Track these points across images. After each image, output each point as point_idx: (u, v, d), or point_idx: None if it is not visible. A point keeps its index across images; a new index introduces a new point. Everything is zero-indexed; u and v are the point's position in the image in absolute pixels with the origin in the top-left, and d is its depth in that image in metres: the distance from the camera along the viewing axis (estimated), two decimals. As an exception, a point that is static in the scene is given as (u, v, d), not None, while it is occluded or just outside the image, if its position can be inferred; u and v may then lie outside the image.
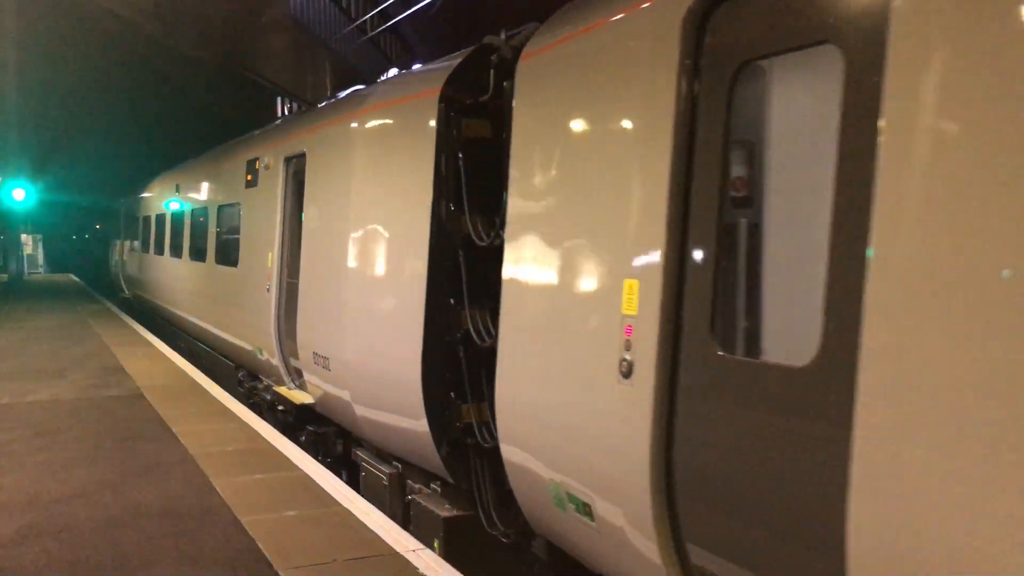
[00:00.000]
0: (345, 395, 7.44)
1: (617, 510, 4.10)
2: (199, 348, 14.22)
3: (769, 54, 3.45)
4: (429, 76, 6.55)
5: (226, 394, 10.35)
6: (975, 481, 2.46)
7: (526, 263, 4.98)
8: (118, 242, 26.80)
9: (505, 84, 5.45)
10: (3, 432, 8.17)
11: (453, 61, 6.33)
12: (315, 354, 8.08)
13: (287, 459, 7.28)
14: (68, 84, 25.96)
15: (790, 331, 3.45)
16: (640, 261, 3.93)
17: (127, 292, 24.44)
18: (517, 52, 5.39)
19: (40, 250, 49.06)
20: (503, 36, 5.73)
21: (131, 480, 6.59)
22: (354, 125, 7.58)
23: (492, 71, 5.66)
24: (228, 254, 11.67)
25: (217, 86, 26.01)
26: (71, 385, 10.73)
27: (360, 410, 7.23)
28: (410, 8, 20.08)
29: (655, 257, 3.82)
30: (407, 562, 4.97)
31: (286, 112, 26.98)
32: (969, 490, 2.47)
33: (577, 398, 4.36)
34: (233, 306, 11.36)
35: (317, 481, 6.60)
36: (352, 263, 7.29)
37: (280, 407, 9.40)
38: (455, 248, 5.95)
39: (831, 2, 3.10)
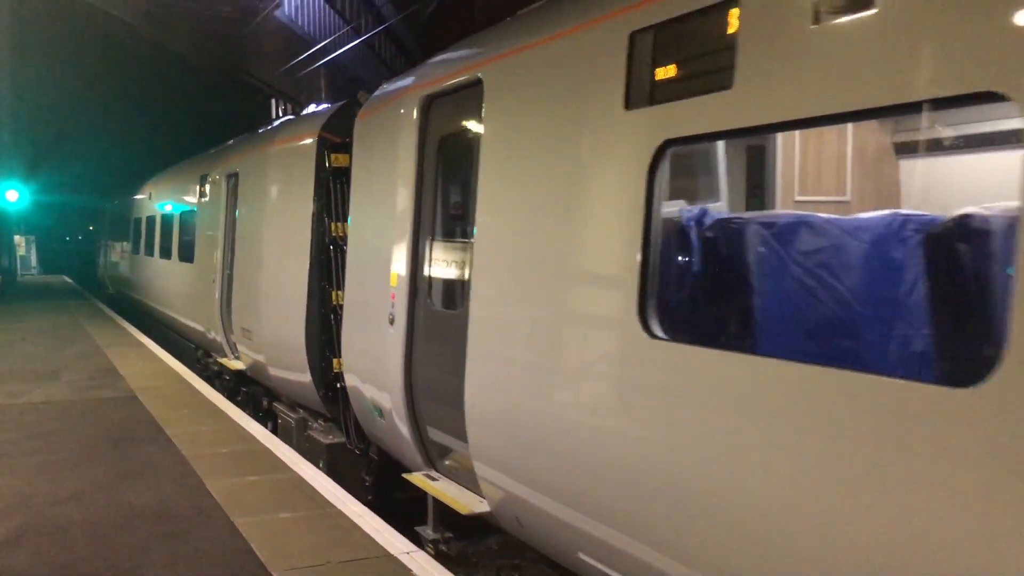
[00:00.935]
0: (262, 359, 9.79)
1: (390, 407, 6.47)
2: (169, 335, 16.15)
3: (452, 135, 6.04)
4: (314, 120, 9.06)
5: (220, 396, 10.35)
6: (513, 371, 4.93)
7: (354, 258, 7.56)
8: (102, 244, 29.57)
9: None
10: (-4, 434, 8.17)
11: (331, 110, 8.99)
12: (243, 328, 10.51)
13: (281, 461, 7.29)
14: (62, 85, 25.93)
15: (460, 293, 5.82)
16: (398, 255, 6.41)
17: (111, 289, 26.09)
18: None
19: (33, 251, 48.83)
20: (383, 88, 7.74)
21: (125, 482, 6.59)
22: (267, 153, 10.12)
23: (355, 120, 7.80)
24: (187, 252, 14.04)
25: (212, 87, 26.01)
26: (64, 386, 10.72)
27: (272, 370, 9.56)
28: (404, 11, 20.12)
29: (404, 251, 6.30)
30: (401, 564, 4.99)
31: (280, 113, 26.96)
32: (508, 375, 4.96)
33: (374, 338, 6.74)
34: (190, 295, 13.65)
35: (311, 483, 6.61)
36: (263, 256, 9.85)
37: (225, 376, 11.72)
38: (327, 246, 8.37)
39: (471, 112, 5.60)
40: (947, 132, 4.90)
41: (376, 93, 7.65)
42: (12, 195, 30.12)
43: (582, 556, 4.40)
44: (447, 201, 6.22)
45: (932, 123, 4.71)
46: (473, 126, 5.64)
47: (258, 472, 6.92)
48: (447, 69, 6.09)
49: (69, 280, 39.00)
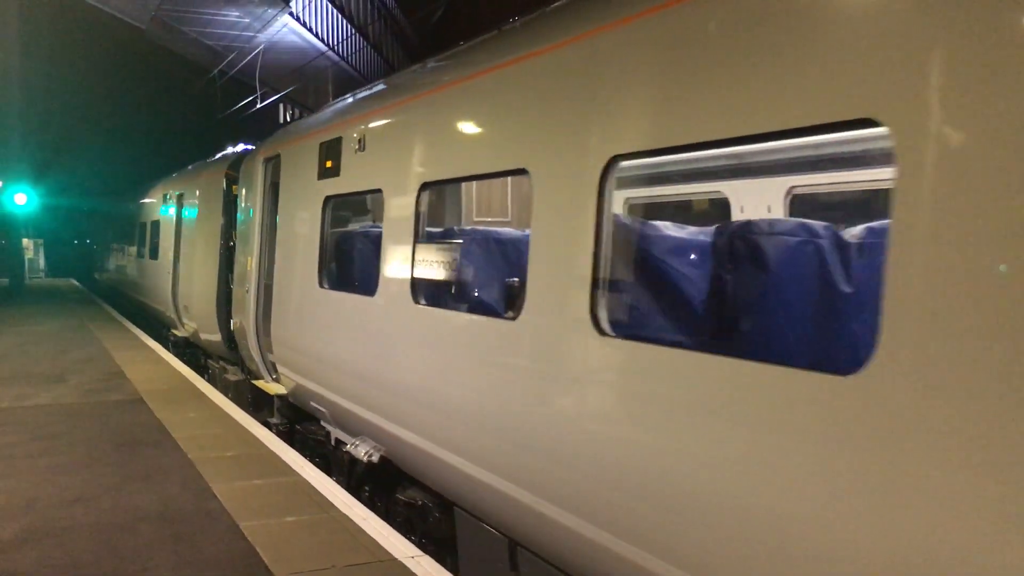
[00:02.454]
0: (195, 326, 14.12)
1: (250, 343, 10.25)
2: (144, 319, 20.39)
3: (274, 183, 9.70)
4: (225, 161, 13.54)
5: (226, 400, 10.36)
6: (287, 314, 8.93)
7: (237, 253, 11.45)
8: (94, 246, 36.43)
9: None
10: (3, 436, 8.18)
11: (236, 154, 13.37)
12: (184, 306, 14.94)
13: (286, 464, 7.29)
14: (71, 88, 26.03)
15: (270, 274, 9.65)
16: (253, 250, 10.23)
17: (103, 283, 31.01)
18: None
19: (41, 255, 48.94)
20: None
21: (130, 484, 6.60)
22: (197, 182, 14.80)
23: (241, 164, 11.94)
24: (153, 252, 18.58)
25: (220, 91, 26.06)
26: (71, 389, 10.74)
27: (201, 334, 13.72)
28: (413, 16, 20.16)
29: (255, 248, 10.14)
30: (406, 568, 4.97)
31: (288, 118, 27.00)
32: (285, 316, 8.96)
33: (244, 302, 10.49)
34: (156, 284, 17.94)
35: (316, 487, 6.61)
36: (194, 254, 14.34)
37: (178, 343, 15.85)
38: (229, 247, 12.38)
39: (279, 171, 9.55)
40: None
41: (253, 149, 11.88)
42: (20, 199, 30.22)
43: (312, 403, 8.41)
44: (273, 220, 9.79)
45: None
46: (279, 179, 9.64)
47: (263, 476, 6.92)
48: (274, 145, 10.18)
49: (76, 283, 39.10)
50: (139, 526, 5.65)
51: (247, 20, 20.00)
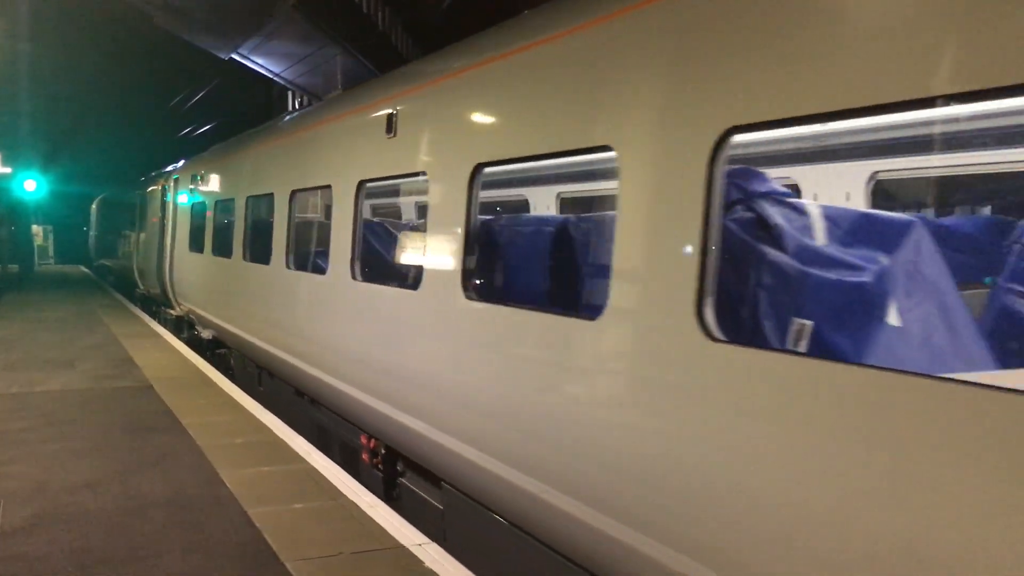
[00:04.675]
0: (148, 283, 19.59)
1: (170, 290, 16.61)
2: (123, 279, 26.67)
3: (181, 192, 16.10)
4: (166, 174, 18.25)
5: (235, 387, 10.40)
6: (182, 265, 15.72)
7: (170, 235, 16.92)
8: (88, 231, 43.34)
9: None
10: (14, 421, 8.24)
11: (175, 166, 18.07)
12: (141, 271, 20.71)
13: (294, 452, 7.31)
14: (80, 75, 26.04)
15: (177, 244, 16.46)
16: (169, 234, 16.79)
17: (95, 259, 38.13)
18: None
19: (51, 241, 49.13)
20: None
21: (140, 471, 6.64)
22: (149, 188, 20.28)
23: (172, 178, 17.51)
24: (128, 235, 24.64)
25: (229, 80, 26.07)
26: (81, 376, 10.80)
27: (151, 289, 18.87)
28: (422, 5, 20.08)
29: (170, 233, 16.77)
30: (413, 555, 4.99)
31: (297, 106, 26.94)
32: (181, 266, 15.82)
33: (167, 264, 16.85)
34: (129, 259, 23.94)
35: (324, 474, 6.63)
36: (149, 237, 19.61)
37: (139, 297, 22.06)
38: (166, 232, 16.98)
39: (180, 187, 16.46)
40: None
41: (178, 167, 17.46)
42: (30, 185, 30.30)
43: (190, 315, 15.01)
44: (183, 215, 15.57)
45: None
46: (181, 191, 15.67)
47: (272, 463, 6.95)
48: (181, 169, 16.40)
49: (85, 270, 39.22)
50: (148, 512, 5.69)
51: (254, 4, 19.94)
